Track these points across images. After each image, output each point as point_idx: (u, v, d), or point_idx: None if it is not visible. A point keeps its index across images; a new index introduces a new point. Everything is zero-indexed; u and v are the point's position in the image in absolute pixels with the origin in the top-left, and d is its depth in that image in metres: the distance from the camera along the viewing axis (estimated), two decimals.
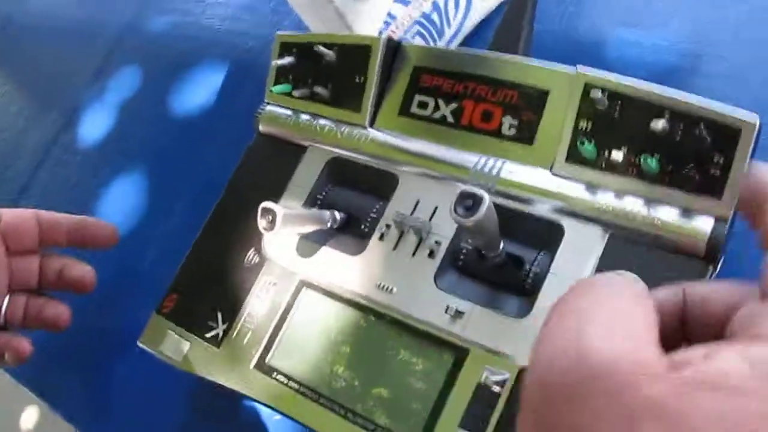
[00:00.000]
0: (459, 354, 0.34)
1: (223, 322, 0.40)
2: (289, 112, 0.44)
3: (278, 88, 0.44)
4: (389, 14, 0.51)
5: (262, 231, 0.37)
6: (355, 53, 0.42)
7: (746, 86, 0.39)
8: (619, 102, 0.33)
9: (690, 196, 0.32)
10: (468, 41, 0.50)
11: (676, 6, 0.43)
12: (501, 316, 0.34)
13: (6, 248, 0.45)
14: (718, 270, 0.32)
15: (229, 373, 0.39)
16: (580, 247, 0.34)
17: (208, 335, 0.40)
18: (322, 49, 0.42)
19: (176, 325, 0.42)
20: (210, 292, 0.42)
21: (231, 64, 0.58)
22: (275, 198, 0.42)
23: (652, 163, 0.32)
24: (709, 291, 0.24)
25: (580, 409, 0.18)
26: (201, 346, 0.40)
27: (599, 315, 0.20)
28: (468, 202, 0.30)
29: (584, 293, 0.22)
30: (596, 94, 0.33)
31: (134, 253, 0.55)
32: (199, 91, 0.59)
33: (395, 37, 0.51)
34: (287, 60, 0.44)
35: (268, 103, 0.45)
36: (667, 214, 0.32)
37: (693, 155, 0.31)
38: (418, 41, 0.50)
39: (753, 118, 0.30)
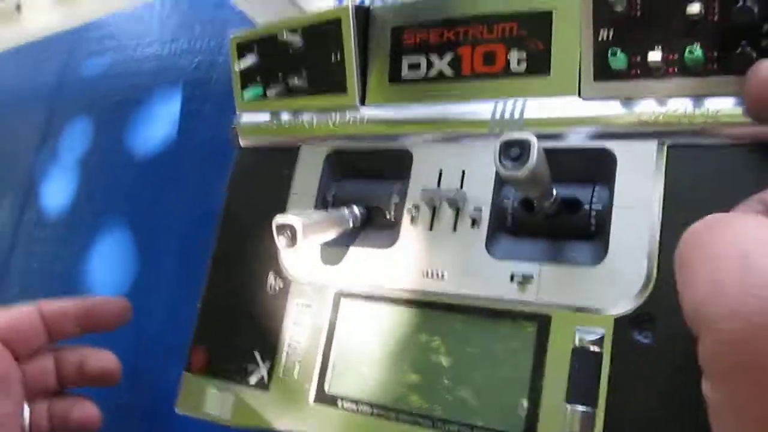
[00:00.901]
0: (541, 322, 0.30)
1: (264, 362, 0.36)
2: (267, 116, 0.40)
3: (249, 93, 0.39)
4: None
5: (283, 249, 0.32)
6: (325, 31, 0.37)
7: None
8: None
9: (746, 78, 0.28)
10: None
11: None
12: (574, 267, 0.30)
13: (14, 355, 0.39)
14: None
15: (289, 415, 0.35)
16: (639, 169, 0.30)
17: (252, 381, 0.36)
18: (287, 36, 0.37)
19: (213, 378, 0.37)
20: (240, 334, 0.37)
21: (184, 86, 0.53)
22: (280, 212, 0.38)
23: (695, 53, 0.28)
24: None
25: None
26: (247, 394, 0.36)
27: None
28: (515, 151, 0.26)
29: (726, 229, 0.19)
30: None
31: (139, 315, 0.50)
32: (158, 123, 0.54)
33: (354, 1, 0.47)
34: (250, 60, 0.39)
35: (241, 113, 0.41)
36: (725, 105, 0.28)
37: (739, 32, 0.28)
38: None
39: None
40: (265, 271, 0.37)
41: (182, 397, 0.38)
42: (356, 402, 0.33)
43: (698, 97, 0.29)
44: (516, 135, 0.26)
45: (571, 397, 0.28)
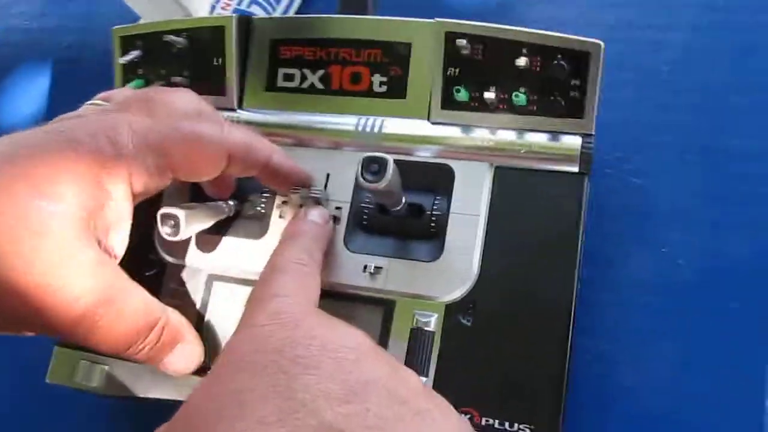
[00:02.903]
0: (387, 306, 0.36)
1: None
2: None
3: (134, 84, 0.42)
4: None
5: (167, 237, 0.36)
6: (209, 36, 0.40)
7: (571, 4, 0.43)
8: (481, 45, 0.36)
9: (557, 119, 0.35)
10: (305, 6, 0.50)
11: None
12: (416, 262, 0.36)
13: None
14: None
15: (159, 385, 0.38)
16: (472, 184, 0.36)
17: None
18: (172, 38, 0.40)
19: (85, 351, 0.40)
20: None
21: (54, 64, 0.53)
22: (159, 197, 0.41)
23: (520, 97, 0.35)
24: None
25: None
26: (120, 366, 0.39)
27: None
28: (374, 167, 0.32)
29: None
30: (460, 41, 0.35)
31: None
32: (24, 98, 0.54)
33: (228, 11, 0.50)
34: (133, 55, 0.42)
35: None
36: (541, 139, 0.36)
37: (554, 83, 0.35)
38: (257, 11, 0.49)
39: (597, 41, 0.34)
40: (144, 253, 0.40)
41: (53, 369, 0.40)
42: None
43: (521, 131, 0.36)
44: (375, 154, 0.32)
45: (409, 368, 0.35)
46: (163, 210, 0.35)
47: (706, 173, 0.38)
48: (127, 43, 0.42)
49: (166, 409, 0.25)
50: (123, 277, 0.32)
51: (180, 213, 0.35)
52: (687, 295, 0.37)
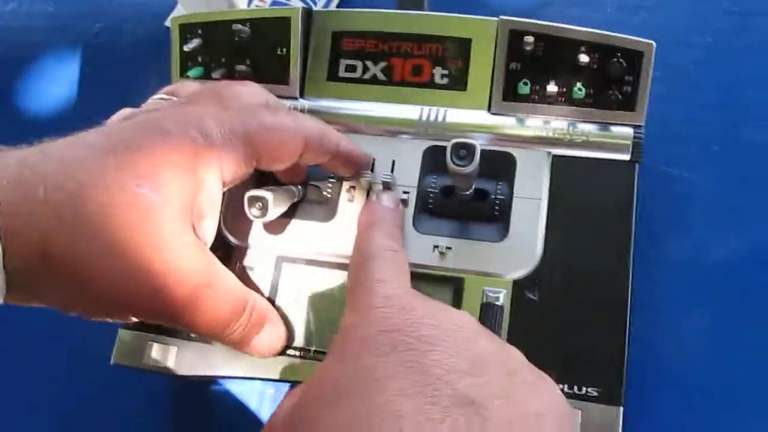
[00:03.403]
0: (457, 284, 0.38)
1: None
2: None
3: (193, 72, 0.43)
4: None
5: (253, 219, 0.37)
6: (274, 26, 0.42)
7: (603, 7, 0.47)
8: (543, 42, 0.39)
9: (611, 112, 0.39)
10: (344, 2, 0.52)
11: None
12: (483, 242, 0.39)
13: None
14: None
15: (234, 364, 0.39)
16: (532, 171, 0.39)
17: (193, 334, 0.40)
18: (239, 26, 0.41)
19: (153, 333, 0.41)
20: None
21: (84, 50, 0.53)
22: None
23: (580, 90, 0.39)
24: None
25: None
26: (191, 346, 0.40)
27: None
28: (463, 152, 0.34)
29: None
30: (527, 38, 0.38)
31: None
32: (54, 85, 0.53)
33: (265, 4, 0.51)
34: (196, 43, 0.42)
35: None
36: (595, 129, 0.39)
37: (610, 79, 0.38)
38: (296, 4, 0.51)
39: (650, 41, 0.38)
40: None
41: (119, 351, 0.41)
42: (300, 349, 0.39)
43: (578, 122, 0.39)
44: (464, 139, 0.34)
45: None
46: (251, 192, 0.37)
47: (732, 162, 0.42)
48: (187, 32, 0.43)
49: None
50: (217, 261, 0.34)
51: (268, 195, 0.36)
52: (717, 274, 0.41)
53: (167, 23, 0.46)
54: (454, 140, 0.34)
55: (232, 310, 0.34)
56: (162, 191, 0.30)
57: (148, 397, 0.46)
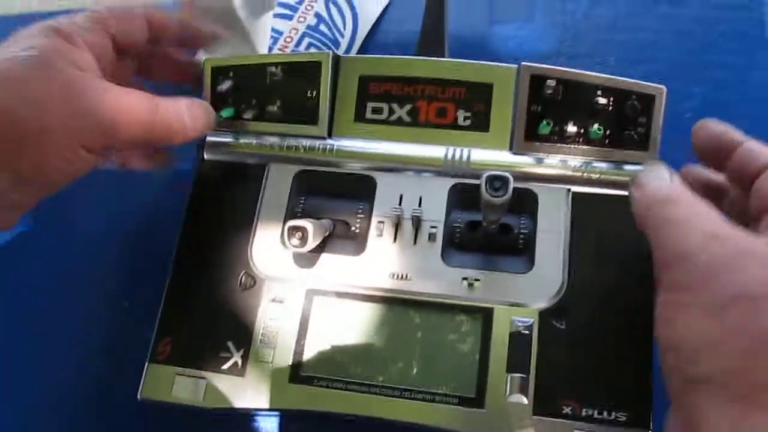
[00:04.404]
0: (486, 314, 0.40)
1: (238, 350, 0.41)
2: (232, 137, 0.45)
3: (225, 112, 0.44)
4: (273, 29, 0.53)
5: (294, 249, 0.38)
6: (305, 70, 0.44)
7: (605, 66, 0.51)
8: (562, 87, 0.41)
9: (627, 151, 0.41)
10: (364, 47, 0.55)
11: (533, 2, 0.53)
12: (510, 274, 0.41)
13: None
14: None
15: (264, 396, 0.40)
16: (553, 206, 0.42)
17: (225, 367, 0.40)
18: (273, 69, 0.43)
19: (183, 366, 0.41)
20: (210, 326, 0.41)
21: None
22: (249, 218, 0.43)
23: (597, 131, 0.41)
24: None
25: None
26: (221, 378, 0.40)
27: None
28: (497, 184, 0.36)
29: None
30: (550, 82, 0.41)
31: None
32: None
33: (287, 50, 0.54)
34: (227, 84, 0.44)
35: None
36: (613, 168, 0.42)
37: (626, 120, 0.41)
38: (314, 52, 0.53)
39: (661, 86, 0.41)
40: (237, 272, 0.42)
41: (147, 385, 0.41)
42: (330, 380, 0.39)
43: (596, 161, 0.42)
44: (497, 172, 0.36)
45: (510, 368, 0.38)
46: (292, 222, 0.38)
47: None
48: (219, 74, 0.45)
49: None
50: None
51: (309, 225, 0.38)
52: None
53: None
54: (488, 173, 0.36)
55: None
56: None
57: None
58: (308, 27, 0.54)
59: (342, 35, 0.54)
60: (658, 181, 0.34)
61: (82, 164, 0.37)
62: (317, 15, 0.54)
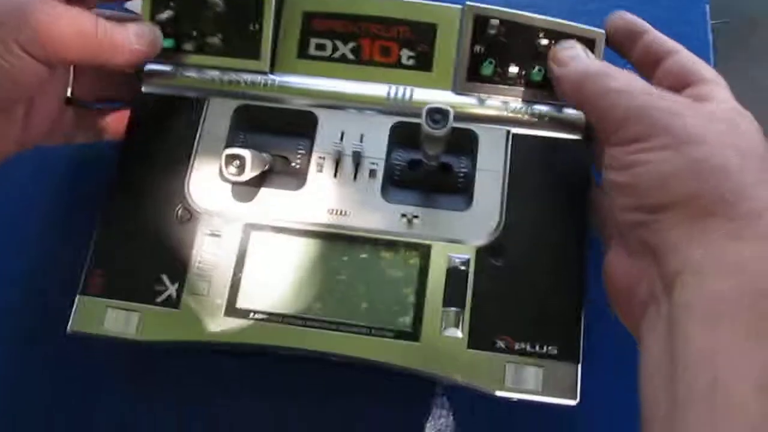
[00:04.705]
0: (424, 250, 0.40)
1: (173, 283, 0.40)
2: (171, 68, 0.44)
3: (166, 42, 0.43)
4: None
5: (230, 178, 0.38)
6: (248, 2, 0.43)
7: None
8: (505, 28, 0.42)
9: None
10: None
11: None
12: (448, 212, 0.41)
13: None
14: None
15: (198, 328, 0.39)
16: (492, 146, 0.42)
17: (159, 299, 0.39)
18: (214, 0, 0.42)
19: (115, 299, 0.40)
20: (144, 259, 0.40)
21: None
22: (187, 151, 0.42)
23: (538, 73, 0.42)
24: None
25: None
26: (154, 312, 0.39)
27: None
28: (437, 116, 0.36)
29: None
30: (493, 22, 0.41)
31: None
32: None
33: None
34: (167, 14, 0.43)
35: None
36: (552, 111, 0.42)
37: None
38: None
39: (600, 30, 0.42)
40: (173, 205, 0.41)
41: (77, 318, 0.39)
42: (266, 314, 0.39)
43: (534, 103, 0.42)
44: (438, 105, 0.36)
45: (447, 303, 0.39)
46: (229, 150, 0.37)
47: None
48: (159, 2, 0.43)
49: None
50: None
51: (247, 154, 0.37)
52: None
53: None
54: (429, 105, 0.36)
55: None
56: None
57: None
58: None
59: None
60: (582, 59, 0.39)
61: (22, 65, 0.35)
62: None
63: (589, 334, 0.39)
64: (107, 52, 0.38)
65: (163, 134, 0.43)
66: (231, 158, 0.37)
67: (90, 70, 0.44)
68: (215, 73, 0.44)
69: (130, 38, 0.39)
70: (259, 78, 0.43)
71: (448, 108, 0.36)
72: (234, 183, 0.41)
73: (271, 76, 0.43)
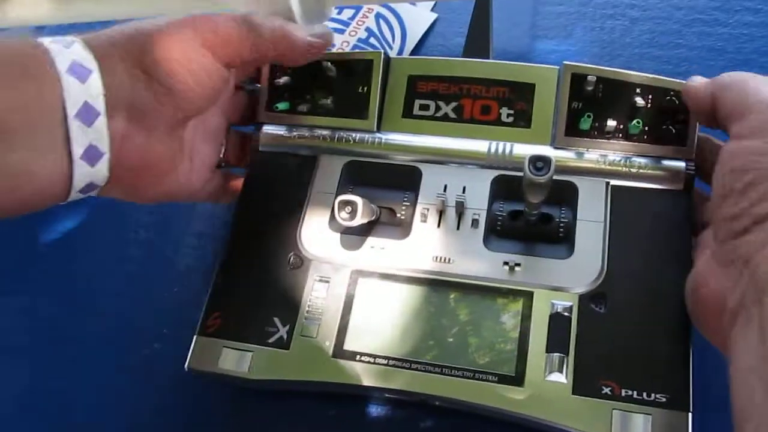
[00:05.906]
0: (527, 297, 0.41)
1: (284, 325, 0.42)
2: (285, 129, 0.48)
3: (281, 105, 0.47)
4: None
5: (342, 222, 0.40)
6: (357, 67, 0.47)
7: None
8: (601, 84, 0.43)
9: (665, 146, 0.43)
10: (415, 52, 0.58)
11: (574, 20, 0.56)
12: (550, 260, 0.42)
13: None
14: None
15: (307, 369, 0.41)
16: (592, 197, 0.43)
17: (271, 340, 0.42)
18: (328, 65, 0.46)
19: (230, 340, 0.42)
20: (257, 302, 0.43)
21: None
22: (300, 203, 0.45)
23: (636, 126, 0.43)
24: None
25: None
26: (266, 352, 0.41)
27: None
28: (539, 164, 0.38)
29: None
30: (591, 79, 0.43)
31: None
32: None
33: (348, 48, 0.57)
34: (284, 79, 0.47)
35: (263, 123, 0.48)
36: (652, 162, 0.43)
37: (663, 117, 0.43)
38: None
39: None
40: (286, 252, 0.44)
41: (194, 356, 0.42)
42: (373, 356, 0.40)
43: (634, 155, 0.43)
44: (540, 153, 0.38)
45: (550, 348, 0.39)
46: (342, 197, 0.40)
47: None
48: (277, 69, 0.48)
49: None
50: None
51: (358, 200, 0.40)
52: None
53: None
54: (531, 154, 0.38)
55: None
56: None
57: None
58: (359, 40, 0.58)
59: (391, 48, 0.57)
60: (706, 80, 0.40)
61: (210, 68, 0.39)
62: (368, 29, 0.58)
63: (697, 381, 0.38)
64: (284, 45, 0.41)
65: (277, 188, 0.46)
66: (344, 204, 0.40)
67: (236, 138, 0.49)
68: (326, 132, 0.47)
69: (302, 32, 0.42)
70: (366, 136, 0.46)
71: (550, 156, 0.38)
72: (344, 229, 0.44)
73: (378, 134, 0.47)
